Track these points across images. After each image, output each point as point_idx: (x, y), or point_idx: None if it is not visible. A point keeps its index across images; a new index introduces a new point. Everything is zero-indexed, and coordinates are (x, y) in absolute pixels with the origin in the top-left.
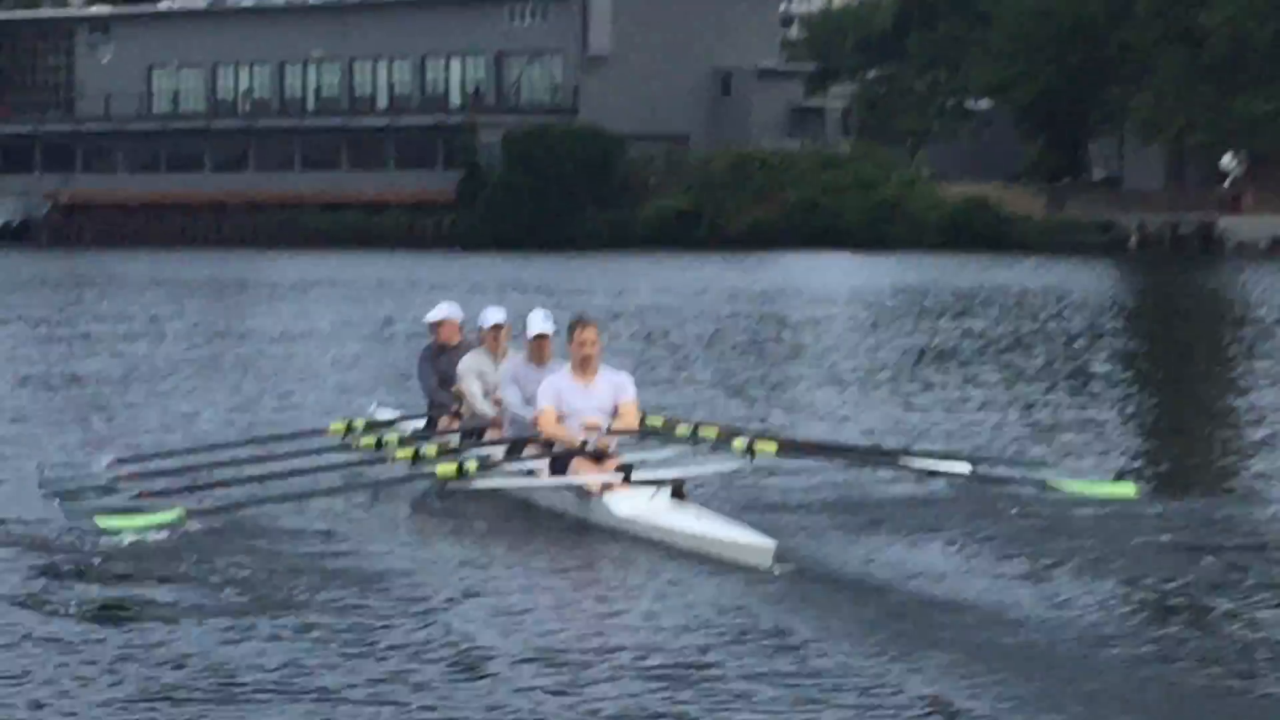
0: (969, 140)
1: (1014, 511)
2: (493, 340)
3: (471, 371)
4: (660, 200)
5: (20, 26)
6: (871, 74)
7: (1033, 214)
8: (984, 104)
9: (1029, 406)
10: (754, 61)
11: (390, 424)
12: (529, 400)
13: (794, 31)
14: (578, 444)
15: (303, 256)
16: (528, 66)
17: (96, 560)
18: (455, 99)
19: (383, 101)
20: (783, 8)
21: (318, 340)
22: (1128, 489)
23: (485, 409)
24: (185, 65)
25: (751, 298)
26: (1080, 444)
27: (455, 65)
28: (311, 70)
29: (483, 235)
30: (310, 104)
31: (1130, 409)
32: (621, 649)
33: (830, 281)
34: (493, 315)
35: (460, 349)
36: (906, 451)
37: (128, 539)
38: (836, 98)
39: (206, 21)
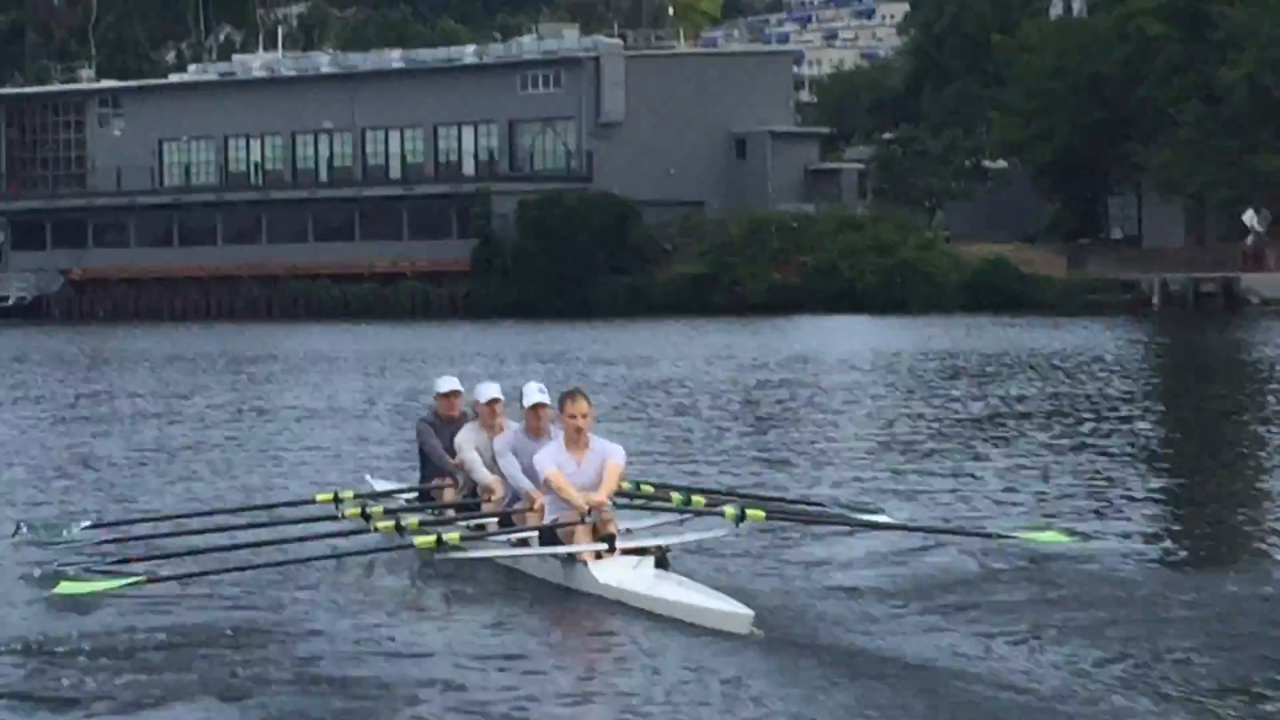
0: (986, 200)
1: (1006, 575)
2: (489, 415)
3: (470, 443)
4: (677, 266)
5: (31, 101)
6: (887, 135)
7: (1053, 274)
8: (999, 163)
9: (1046, 471)
10: (768, 124)
11: (384, 495)
12: (525, 471)
13: (804, 94)
14: (583, 507)
15: (317, 329)
16: (540, 134)
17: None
18: (469, 167)
19: (395, 171)
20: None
21: (328, 415)
22: (1059, 536)
23: (487, 479)
24: (196, 137)
25: (767, 364)
26: (1094, 509)
27: (468, 133)
28: (323, 141)
29: (498, 304)
30: (323, 174)
31: (1156, 477)
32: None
33: (849, 346)
34: (488, 390)
35: (459, 422)
36: (878, 520)
37: (85, 598)
38: (852, 160)
39: (217, 93)
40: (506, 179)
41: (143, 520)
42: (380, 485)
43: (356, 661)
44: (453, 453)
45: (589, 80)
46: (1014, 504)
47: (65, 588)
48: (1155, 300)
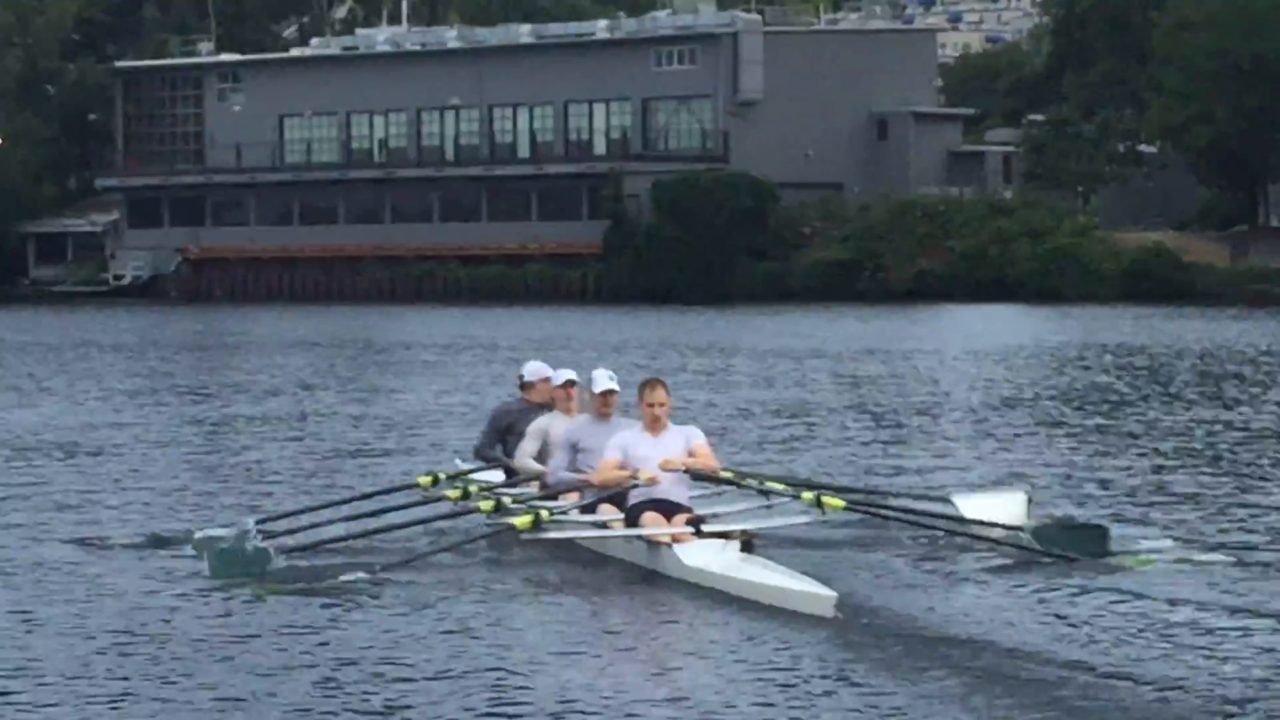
0: (1137, 186)
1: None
2: (564, 398)
3: (537, 432)
4: (818, 251)
5: (148, 75)
6: (1034, 117)
7: (1214, 262)
8: (1148, 148)
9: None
10: (910, 104)
11: (470, 474)
12: (587, 462)
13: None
14: (629, 477)
15: (442, 312)
16: (675, 112)
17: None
18: (600, 146)
19: (524, 150)
20: None
21: (445, 410)
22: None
23: (528, 465)
24: (318, 113)
25: (907, 353)
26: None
27: (599, 111)
28: (449, 118)
29: (631, 288)
30: (449, 153)
31: None
32: (690, 698)
33: (1000, 335)
34: (563, 374)
35: (541, 409)
36: (956, 518)
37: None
38: (994, 143)
39: (340, 68)
40: (639, 159)
41: (295, 514)
42: (464, 466)
43: (448, 647)
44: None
45: (726, 57)
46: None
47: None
48: None
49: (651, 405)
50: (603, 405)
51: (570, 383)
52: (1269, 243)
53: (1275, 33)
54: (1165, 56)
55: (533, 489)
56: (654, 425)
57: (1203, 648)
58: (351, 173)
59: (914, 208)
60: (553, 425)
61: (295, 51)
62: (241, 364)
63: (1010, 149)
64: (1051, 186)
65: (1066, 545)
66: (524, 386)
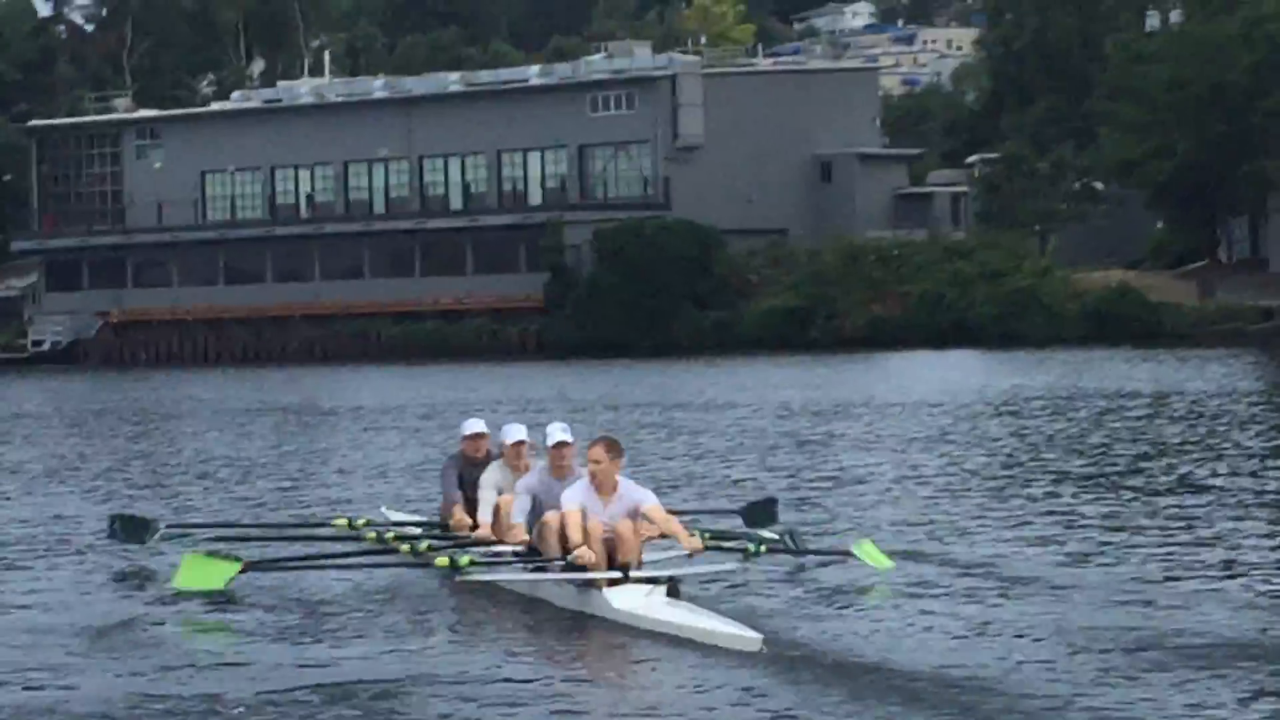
0: (1095, 224)
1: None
2: (514, 455)
3: (490, 484)
4: (767, 298)
5: (63, 133)
6: (983, 156)
7: (1182, 302)
8: (1100, 185)
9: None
10: (854, 146)
11: (398, 525)
12: (535, 511)
13: None
14: (590, 561)
15: (375, 372)
16: (613, 159)
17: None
18: (535, 196)
19: (457, 201)
20: None
21: (377, 472)
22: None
23: (486, 519)
24: (241, 169)
25: (857, 404)
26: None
27: (534, 160)
28: (378, 170)
29: (573, 341)
30: (378, 206)
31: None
32: None
33: (959, 382)
34: (514, 432)
35: (485, 464)
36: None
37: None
38: (939, 183)
39: (262, 121)
40: (577, 208)
41: (204, 525)
42: (395, 516)
43: (370, 684)
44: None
45: (664, 101)
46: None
47: (186, 578)
48: None
49: (589, 462)
50: (558, 459)
51: (520, 442)
52: (1233, 279)
53: (1233, 62)
54: (1119, 90)
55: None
56: (596, 485)
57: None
58: (277, 229)
59: (866, 252)
60: (504, 480)
61: (216, 106)
62: (157, 432)
63: (958, 189)
64: (1007, 226)
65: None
66: (466, 442)
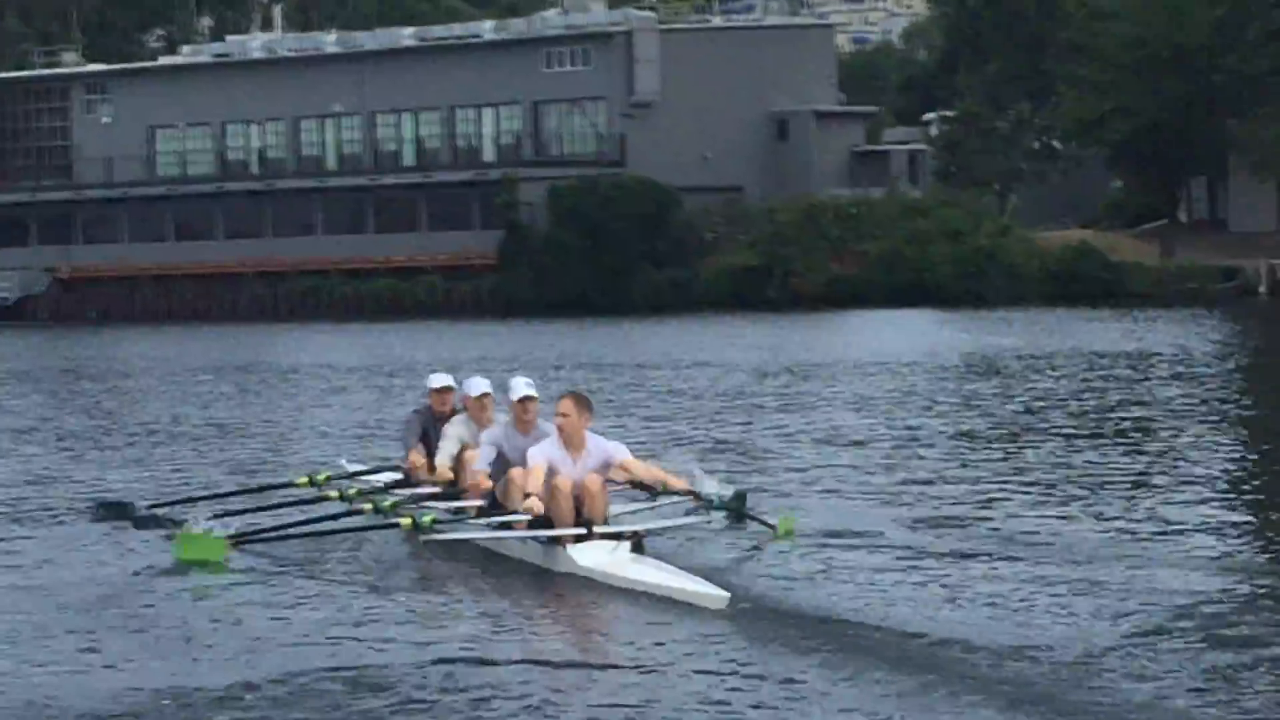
0: (1055, 183)
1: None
2: (478, 408)
3: (453, 436)
4: (724, 257)
5: (10, 87)
6: (939, 114)
7: (1143, 261)
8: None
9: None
10: (810, 103)
11: (359, 475)
12: (507, 466)
13: None
14: (537, 512)
15: (327, 329)
16: (568, 115)
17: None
18: (489, 153)
19: (410, 157)
20: None
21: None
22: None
23: (445, 461)
24: (191, 124)
25: (807, 364)
26: None
27: (488, 116)
28: (330, 125)
29: (528, 300)
30: (330, 162)
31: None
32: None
33: (911, 342)
34: (477, 385)
35: (450, 417)
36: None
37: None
38: (893, 142)
39: (213, 76)
40: (532, 164)
41: (180, 502)
42: (353, 468)
43: (336, 644)
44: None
45: (620, 57)
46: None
47: (185, 552)
48: (1263, 289)
49: (556, 415)
50: (522, 413)
51: (485, 394)
52: (1194, 239)
53: (1195, 22)
54: (1078, 48)
55: (425, 491)
56: (564, 440)
57: (1057, 619)
58: (228, 185)
59: (824, 210)
60: (466, 432)
61: (165, 60)
62: (115, 390)
63: (915, 148)
64: (966, 185)
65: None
66: (433, 395)
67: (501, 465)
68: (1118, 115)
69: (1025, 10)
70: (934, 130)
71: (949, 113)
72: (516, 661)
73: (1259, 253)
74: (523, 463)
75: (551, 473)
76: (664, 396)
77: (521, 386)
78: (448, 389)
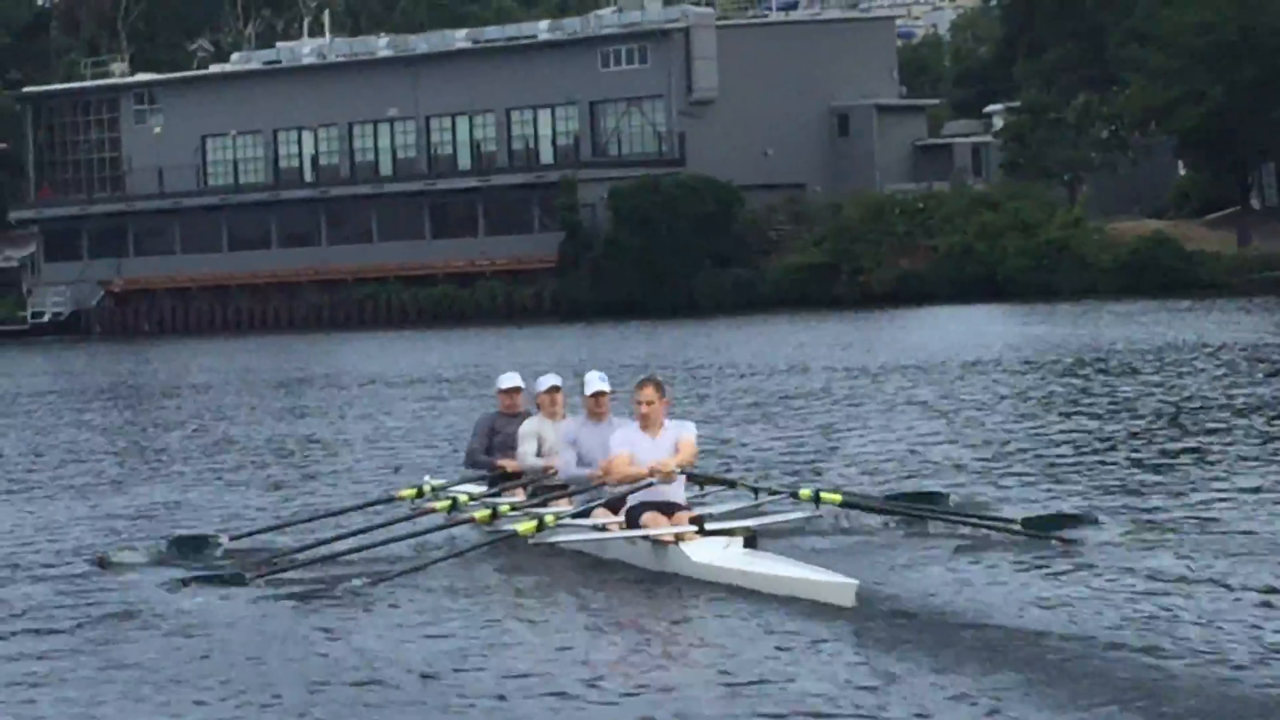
0: (1123, 172)
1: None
2: (549, 403)
3: (530, 434)
4: (788, 255)
5: (59, 99)
6: (1011, 104)
7: (1219, 251)
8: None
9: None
10: (872, 97)
11: (442, 489)
12: (586, 458)
13: None
14: (644, 473)
15: (386, 337)
16: (626, 114)
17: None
18: (547, 154)
19: (466, 161)
20: None
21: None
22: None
23: (536, 464)
24: (243, 132)
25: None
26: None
27: (545, 117)
28: (384, 130)
29: (590, 303)
30: (385, 168)
31: None
32: (716, 693)
33: (985, 337)
34: (547, 380)
35: (522, 418)
36: (957, 510)
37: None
38: (954, 134)
39: (263, 83)
40: (591, 165)
41: (266, 531)
42: (438, 482)
43: (461, 658)
44: (513, 445)
45: (678, 54)
46: None
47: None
48: None
49: (639, 404)
50: (595, 406)
51: (554, 388)
52: (1268, 226)
53: (1265, 6)
54: (1144, 35)
55: (520, 496)
56: (645, 423)
57: (1194, 621)
58: (282, 193)
59: (890, 205)
60: (542, 428)
61: (215, 68)
62: (176, 405)
63: (979, 140)
64: (1036, 177)
65: (1052, 530)
66: (502, 396)
67: (583, 462)
68: (1188, 102)
69: (1081, 2)
70: (996, 122)
71: (1014, 104)
72: (630, 665)
73: None
74: (602, 454)
75: (632, 458)
76: (752, 399)
77: (595, 381)
78: (516, 389)
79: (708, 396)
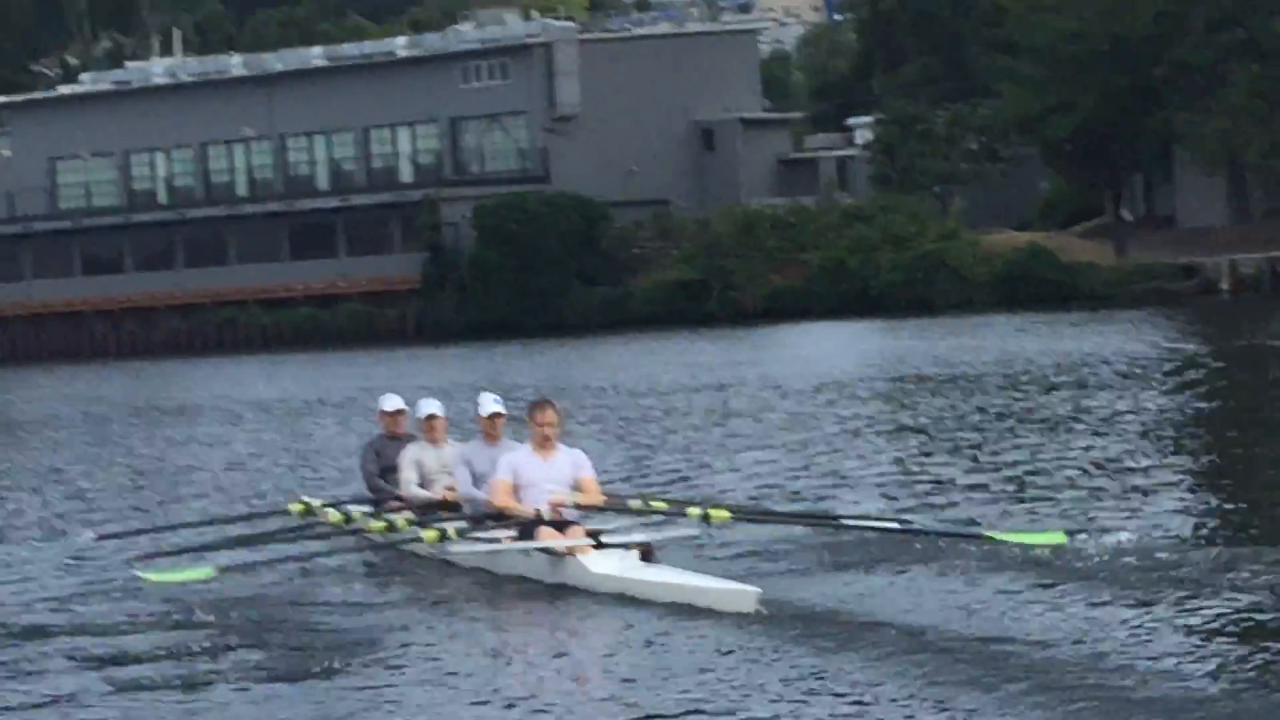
0: (992, 184)
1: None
2: (429, 430)
3: (409, 460)
4: (658, 272)
5: None
6: (879, 117)
7: (1095, 261)
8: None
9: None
10: (736, 111)
11: (337, 505)
12: (480, 479)
13: None
14: (531, 513)
15: (245, 362)
16: (488, 131)
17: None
18: (407, 173)
19: (324, 181)
20: None
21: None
22: (1057, 536)
23: (416, 494)
24: (94, 154)
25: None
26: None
27: (404, 135)
28: (240, 151)
29: (455, 324)
30: (241, 189)
31: None
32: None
33: (857, 353)
34: (427, 406)
35: (405, 439)
36: (843, 516)
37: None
38: (822, 147)
39: (114, 104)
40: (453, 184)
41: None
42: (315, 501)
43: (356, 665)
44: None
45: (539, 70)
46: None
47: (154, 576)
48: (1225, 285)
49: (541, 425)
50: (490, 428)
51: (433, 415)
52: (1143, 237)
53: (1135, 14)
54: (1012, 44)
55: (409, 514)
56: (543, 445)
57: (1080, 622)
58: (135, 216)
59: (760, 220)
60: (423, 455)
61: (64, 89)
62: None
63: (844, 153)
64: (906, 190)
65: (939, 533)
66: (385, 418)
67: (477, 482)
68: (1059, 111)
69: (940, 10)
70: (859, 136)
71: (878, 116)
72: (533, 675)
73: (1213, 248)
74: (492, 476)
75: (526, 482)
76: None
77: (490, 403)
78: (400, 411)
79: (595, 417)
